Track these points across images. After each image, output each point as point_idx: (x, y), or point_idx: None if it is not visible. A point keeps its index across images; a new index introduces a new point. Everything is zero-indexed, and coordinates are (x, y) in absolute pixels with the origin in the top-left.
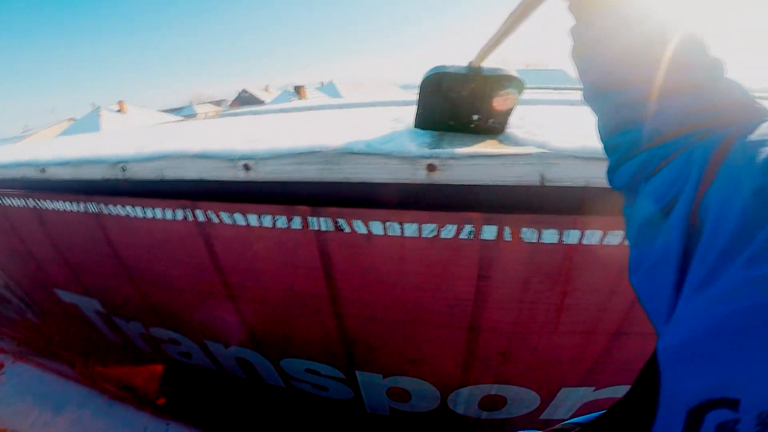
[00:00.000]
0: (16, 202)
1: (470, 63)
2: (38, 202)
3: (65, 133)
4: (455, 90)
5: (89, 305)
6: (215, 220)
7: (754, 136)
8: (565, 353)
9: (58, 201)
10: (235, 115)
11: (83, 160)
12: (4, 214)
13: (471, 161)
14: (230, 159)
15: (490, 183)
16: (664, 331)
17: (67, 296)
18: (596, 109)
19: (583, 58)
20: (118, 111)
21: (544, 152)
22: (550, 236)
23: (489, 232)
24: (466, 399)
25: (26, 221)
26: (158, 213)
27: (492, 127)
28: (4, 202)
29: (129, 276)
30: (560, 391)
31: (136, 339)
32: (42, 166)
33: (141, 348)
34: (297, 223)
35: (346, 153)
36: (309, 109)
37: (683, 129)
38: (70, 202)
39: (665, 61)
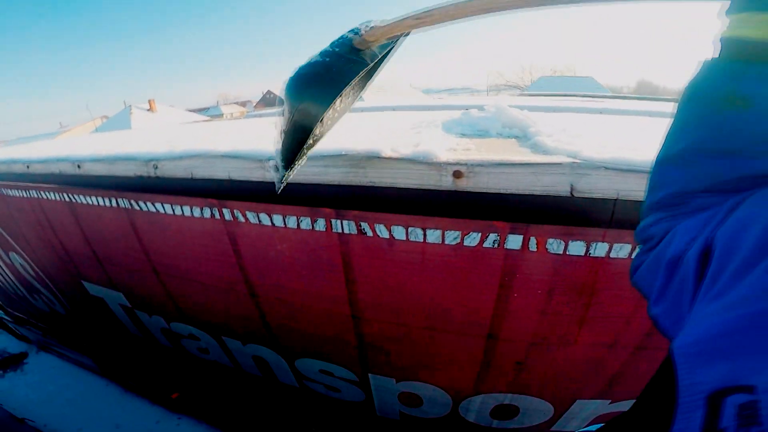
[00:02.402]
0: (52, 196)
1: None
2: (73, 196)
3: (98, 130)
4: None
5: (114, 298)
6: (241, 219)
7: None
8: (583, 366)
9: (91, 196)
10: (261, 116)
11: (117, 157)
12: (40, 206)
13: (499, 169)
14: (259, 159)
15: (518, 192)
16: (678, 332)
17: (94, 289)
18: (688, 165)
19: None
20: (148, 110)
21: (575, 162)
22: (576, 248)
23: (514, 242)
24: (478, 407)
25: (60, 214)
26: (186, 210)
27: None
28: (41, 195)
29: (154, 271)
30: (575, 404)
31: (157, 333)
32: (78, 162)
33: (161, 342)
34: (321, 225)
35: (372, 157)
36: None
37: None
38: (103, 198)
39: None
